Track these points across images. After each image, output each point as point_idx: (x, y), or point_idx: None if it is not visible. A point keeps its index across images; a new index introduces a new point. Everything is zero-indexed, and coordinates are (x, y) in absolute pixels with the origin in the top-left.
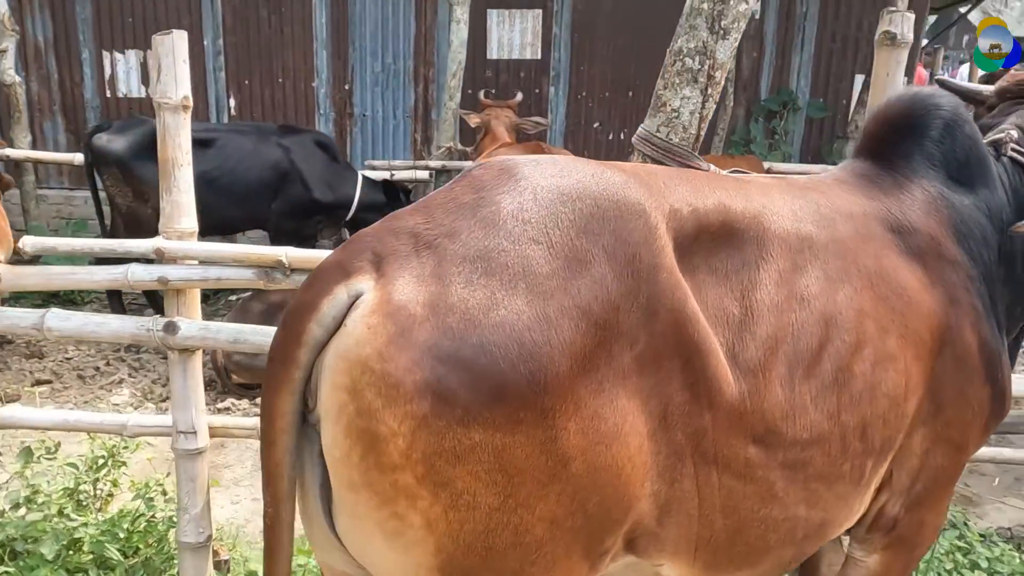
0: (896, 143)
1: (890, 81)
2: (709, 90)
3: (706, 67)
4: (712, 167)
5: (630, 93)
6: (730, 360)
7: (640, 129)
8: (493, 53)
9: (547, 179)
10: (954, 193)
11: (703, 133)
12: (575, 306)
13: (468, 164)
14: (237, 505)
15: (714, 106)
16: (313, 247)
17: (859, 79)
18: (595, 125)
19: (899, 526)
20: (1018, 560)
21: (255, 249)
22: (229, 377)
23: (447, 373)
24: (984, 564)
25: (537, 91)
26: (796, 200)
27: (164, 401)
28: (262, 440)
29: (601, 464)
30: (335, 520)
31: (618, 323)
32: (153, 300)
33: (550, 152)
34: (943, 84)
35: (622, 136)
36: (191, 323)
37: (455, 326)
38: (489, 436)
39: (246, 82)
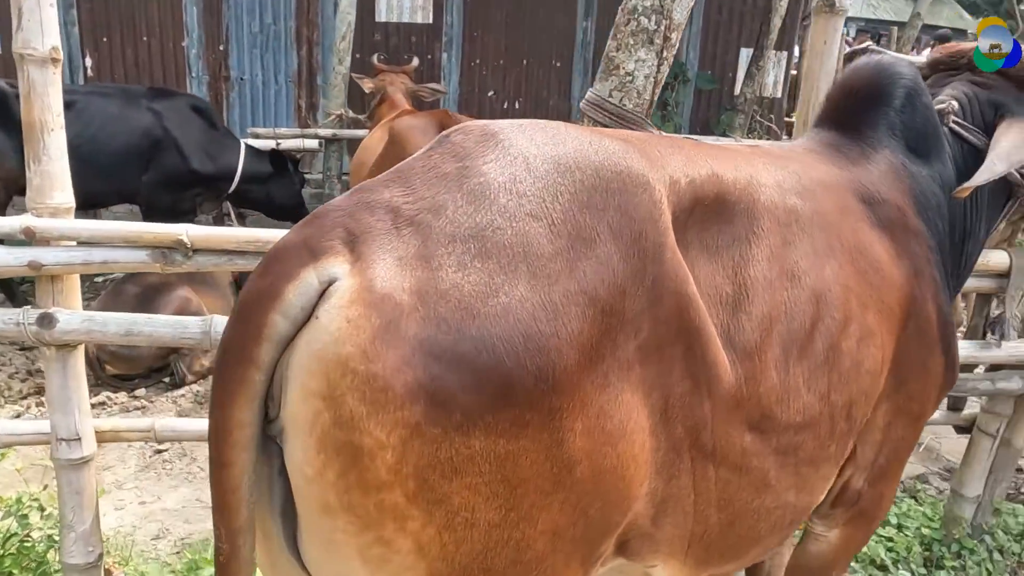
0: (861, 112)
1: (827, 50)
2: (665, 53)
3: (662, 27)
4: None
5: (524, 62)
6: (726, 343)
7: (590, 93)
8: (382, 15)
9: (538, 146)
10: (913, 163)
11: (656, 99)
12: (581, 291)
13: (362, 133)
14: (122, 511)
15: (667, 70)
16: (191, 223)
17: (745, 52)
18: (489, 94)
19: (862, 500)
20: (921, 512)
21: (150, 227)
22: (103, 368)
23: (443, 372)
24: (894, 520)
25: (429, 57)
26: (778, 170)
27: (25, 399)
28: (213, 460)
29: (606, 466)
30: (302, 549)
31: (624, 309)
32: (8, 289)
33: (458, 121)
34: (855, 55)
35: (516, 106)
36: (72, 314)
37: (450, 316)
38: (492, 443)
39: (104, 39)
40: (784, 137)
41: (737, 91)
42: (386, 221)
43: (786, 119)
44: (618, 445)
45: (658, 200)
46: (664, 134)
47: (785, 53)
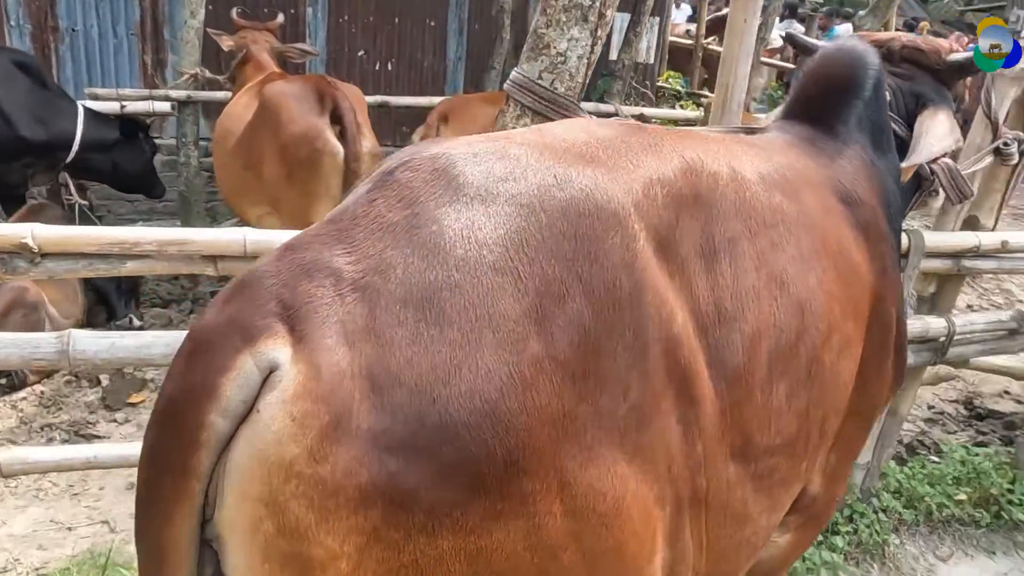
0: (836, 105)
1: (747, 29)
2: (599, 31)
3: (597, 3)
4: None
5: (396, 19)
6: (714, 367)
7: (515, 74)
8: None
9: (496, 184)
10: (878, 159)
11: (588, 81)
12: (549, 356)
13: (221, 95)
14: None
15: (600, 50)
16: (22, 199)
17: (621, 17)
18: (360, 53)
19: (816, 505)
20: None
21: None
22: None
23: (402, 469)
24: None
25: (293, 12)
26: (761, 163)
27: None
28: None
29: (601, 548)
30: None
31: (601, 371)
32: None
33: (336, 87)
34: (792, 38)
35: (389, 67)
36: None
37: (406, 404)
38: (461, 541)
39: None
40: (652, 101)
41: (614, 56)
42: (327, 288)
43: (658, 85)
44: (615, 524)
45: (633, 236)
46: (608, 119)
47: (658, 19)
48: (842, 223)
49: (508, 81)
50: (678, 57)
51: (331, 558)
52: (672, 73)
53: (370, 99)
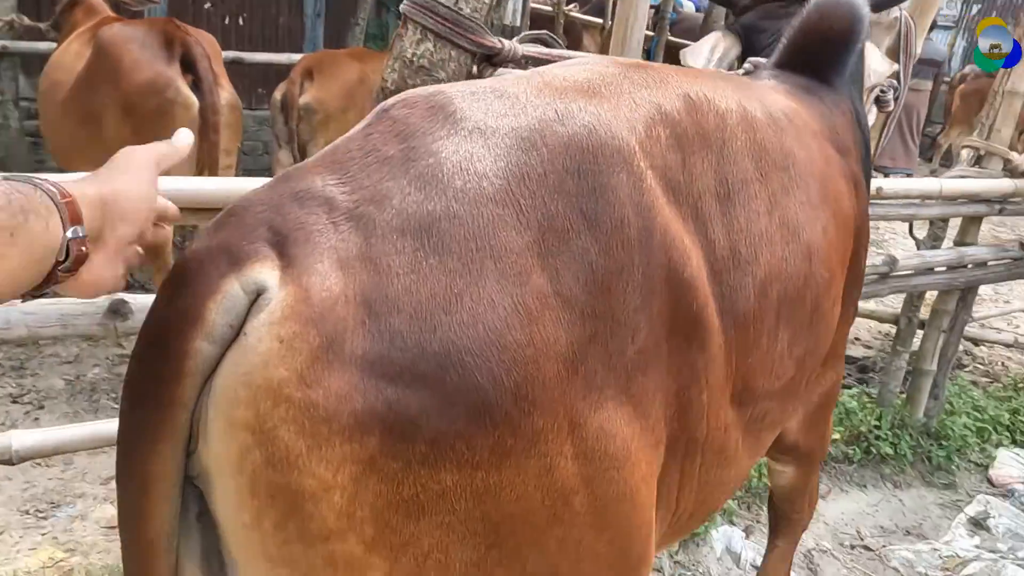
0: (833, 57)
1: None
2: None
3: None
4: (515, 45)
5: None
6: (727, 313)
7: None
8: None
9: (495, 118)
10: (860, 110)
11: (502, 21)
12: (555, 292)
13: (44, 46)
14: None
15: None
16: None
17: None
18: (207, 6)
19: (800, 447)
20: None
21: None
22: None
23: (402, 396)
24: None
25: None
26: (770, 106)
27: None
28: (126, 513)
29: (612, 494)
30: None
31: (611, 311)
32: None
33: (186, 32)
34: None
35: (240, 22)
36: None
37: (405, 329)
38: (467, 476)
39: None
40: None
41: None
42: (319, 215)
43: None
44: (624, 469)
45: (640, 174)
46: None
47: None
48: (838, 173)
49: (405, 2)
50: (540, 23)
51: (324, 489)
52: None
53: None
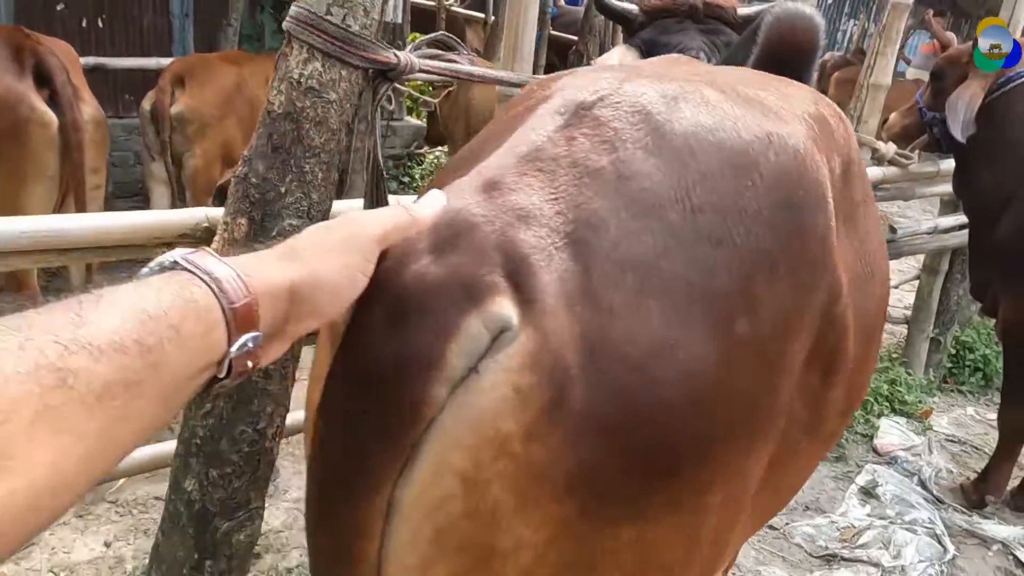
0: (803, 71)
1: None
2: None
3: None
4: (411, 57)
5: None
6: (856, 334)
7: (296, 9)
8: None
9: (705, 133)
10: None
11: (384, 18)
12: (753, 339)
13: None
14: None
15: None
16: None
17: None
18: (59, 7)
19: (834, 438)
20: None
21: None
22: None
23: (610, 455)
24: None
25: None
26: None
27: None
28: (331, 557)
29: (727, 524)
30: None
31: (783, 353)
32: None
33: (38, 41)
34: (601, 3)
35: (99, 24)
36: None
37: (623, 382)
38: (639, 530)
39: None
40: None
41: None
42: (544, 240)
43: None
44: (744, 502)
45: (830, 212)
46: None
47: None
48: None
49: (288, 18)
50: (422, 19)
51: (517, 548)
52: (417, 35)
53: (81, 61)
